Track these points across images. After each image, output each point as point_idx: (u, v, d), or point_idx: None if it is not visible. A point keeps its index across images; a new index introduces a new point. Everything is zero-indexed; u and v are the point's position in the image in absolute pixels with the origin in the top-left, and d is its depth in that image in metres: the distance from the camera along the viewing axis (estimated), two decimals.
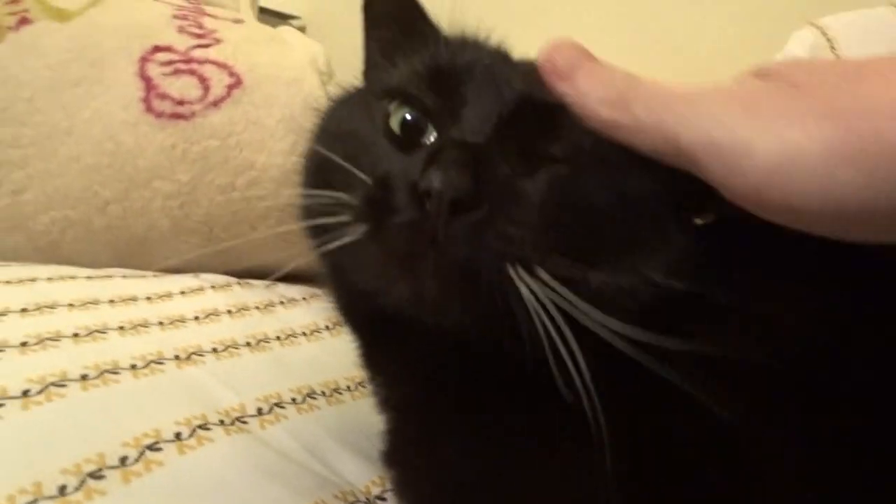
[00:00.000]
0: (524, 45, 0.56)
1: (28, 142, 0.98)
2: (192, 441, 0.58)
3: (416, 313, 0.44)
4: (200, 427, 0.60)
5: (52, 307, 0.75)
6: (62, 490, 0.49)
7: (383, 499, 0.63)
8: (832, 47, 1.30)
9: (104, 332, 0.71)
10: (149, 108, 1.02)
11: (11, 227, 0.99)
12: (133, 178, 1.01)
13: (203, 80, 1.05)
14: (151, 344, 0.71)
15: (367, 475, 0.65)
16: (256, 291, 0.97)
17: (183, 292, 0.88)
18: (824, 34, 1.31)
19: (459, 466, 0.48)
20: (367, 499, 0.62)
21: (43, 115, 0.99)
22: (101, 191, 1.00)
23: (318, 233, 0.48)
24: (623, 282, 0.43)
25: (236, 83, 1.05)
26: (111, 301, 0.80)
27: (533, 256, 0.41)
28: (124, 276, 0.95)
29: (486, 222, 0.40)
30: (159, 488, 0.53)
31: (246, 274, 1.06)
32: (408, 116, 0.48)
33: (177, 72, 1.06)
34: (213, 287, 0.93)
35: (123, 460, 0.53)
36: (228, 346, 0.76)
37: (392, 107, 0.49)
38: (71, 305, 0.76)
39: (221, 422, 0.62)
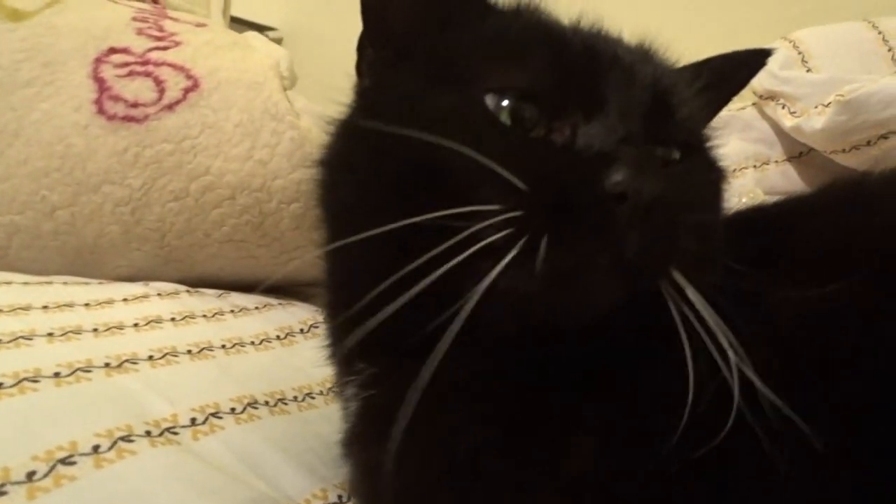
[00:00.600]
0: None
1: None
2: (112, 454, 0.54)
3: (574, 318, 0.41)
4: (123, 439, 0.56)
5: None
6: None
7: None
8: (804, 60, 1.29)
9: (30, 339, 0.67)
10: (101, 111, 0.99)
11: None
12: (82, 183, 0.98)
13: (159, 83, 1.02)
14: (81, 351, 0.67)
15: (307, 488, 0.61)
16: (207, 300, 0.93)
17: (126, 299, 0.85)
18: (796, 48, 1.30)
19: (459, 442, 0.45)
20: None
21: None
22: (49, 195, 0.97)
23: (439, 261, 0.38)
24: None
25: (193, 86, 1.02)
26: (45, 307, 0.76)
27: (691, 259, 0.40)
28: (65, 283, 0.92)
29: (667, 221, 0.39)
30: None
31: (200, 283, 1.03)
32: (526, 113, 0.43)
33: (132, 74, 1.03)
34: (159, 295, 0.90)
35: (31, 475, 0.50)
36: (167, 354, 0.72)
37: (503, 104, 0.43)
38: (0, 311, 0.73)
39: (148, 433, 0.58)
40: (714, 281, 0.41)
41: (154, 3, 1.43)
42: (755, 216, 0.56)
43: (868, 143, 1.10)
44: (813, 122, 1.15)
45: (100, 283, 0.94)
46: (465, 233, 0.37)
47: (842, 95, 1.10)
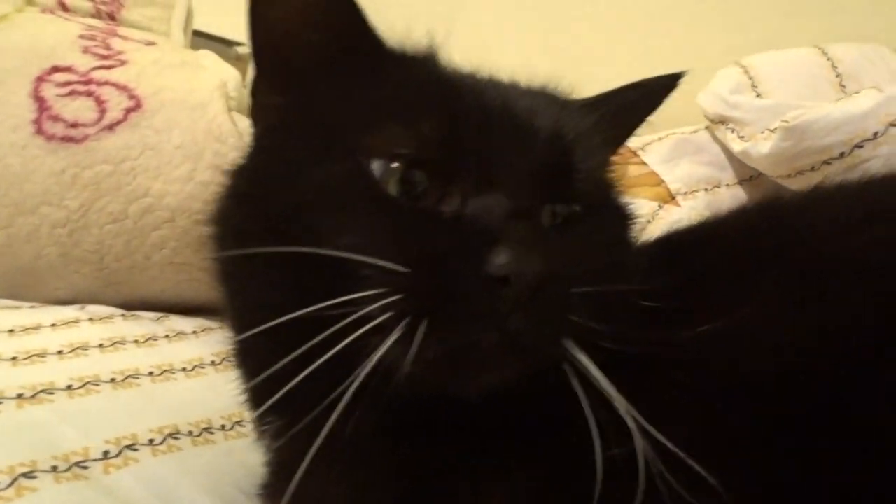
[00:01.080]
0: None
1: None
2: (10, 492, 0.52)
3: (465, 393, 0.41)
4: (25, 475, 0.55)
5: None
6: None
7: None
8: (754, 86, 1.30)
9: None
10: (39, 131, 0.98)
11: None
12: (19, 204, 0.96)
13: (100, 103, 1.01)
14: None
15: None
16: (142, 324, 0.92)
17: (54, 325, 0.83)
18: (747, 73, 1.32)
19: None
20: None
21: None
22: None
23: (329, 344, 0.38)
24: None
25: (135, 106, 1.01)
26: None
27: (584, 325, 0.40)
28: None
29: (555, 297, 0.39)
30: None
31: (142, 306, 1.01)
32: (416, 179, 0.42)
33: (73, 93, 1.01)
34: (90, 319, 0.88)
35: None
36: (88, 383, 0.71)
37: (391, 169, 0.42)
38: None
39: (54, 468, 0.57)
40: (619, 332, 0.40)
41: (110, 20, 1.42)
42: (673, 242, 0.55)
43: (812, 169, 1.11)
44: (759, 146, 1.17)
45: (31, 307, 0.92)
46: (353, 316, 0.37)
47: (786, 122, 1.11)
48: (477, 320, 0.37)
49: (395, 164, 0.42)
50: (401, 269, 0.38)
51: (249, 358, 0.51)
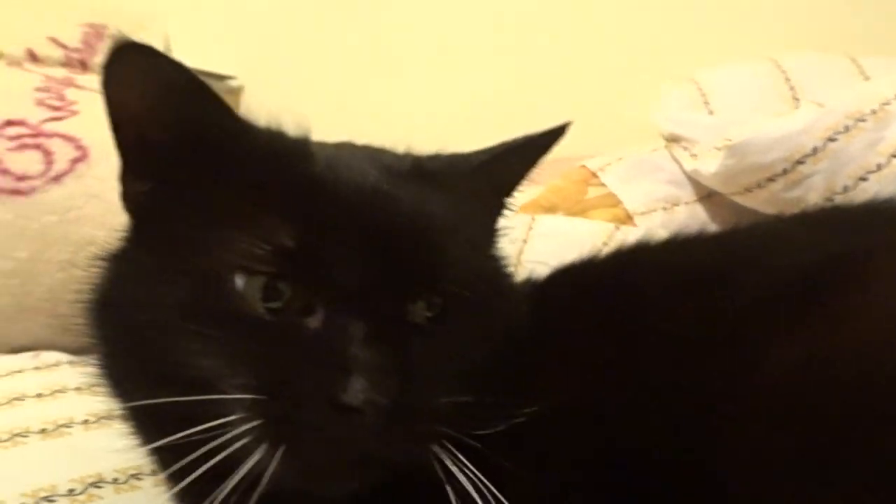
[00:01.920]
0: None
1: None
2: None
3: (334, 496, 0.43)
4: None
5: None
6: None
7: None
8: (706, 102, 1.31)
9: None
10: None
11: None
12: None
13: (48, 154, 1.04)
14: None
15: None
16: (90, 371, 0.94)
17: None
18: (699, 89, 1.32)
19: None
20: None
21: None
22: None
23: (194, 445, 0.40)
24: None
25: (82, 156, 1.04)
26: None
27: (446, 431, 0.42)
28: None
29: (414, 416, 0.41)
30: None
31: None
32: (280, 290, 0.42)
33: (23, 147, 1.05)
34: (36, 368, 0.91)
35: None
36: (16, 435, 0.73)
37: (252, 282, 0.42)
38: None
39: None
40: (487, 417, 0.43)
41: (82, 67, 1.45)
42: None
43: (759, 186, 1.11)
44: (708, 165, 1.17)
45: None
46: (220, 440, 0.39)
47: (729, 140, 1.11)
48: (333, 445, 0.39)
49: (257, 277, 0.42)
50: (258, 397, 0.39)
51: (135, 425, 0.52)
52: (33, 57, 1.31)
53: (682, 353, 0.47)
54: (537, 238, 1.27)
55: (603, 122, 1.69)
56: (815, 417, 0.41)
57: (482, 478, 0.41)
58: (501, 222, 0.59)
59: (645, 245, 0.59)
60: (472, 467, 0.41)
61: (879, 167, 1.01)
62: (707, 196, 1.30)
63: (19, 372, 0.88)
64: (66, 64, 1.35)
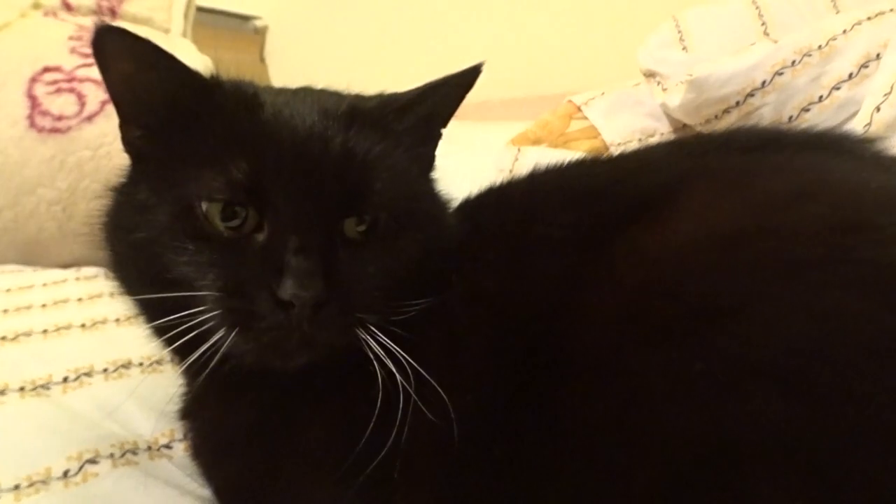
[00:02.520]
0: None
1: None
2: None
3: (285, 369, 0.56)
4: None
5: None
6: None
7: (169, 447, 0.75)
8: (681, 39, 1.39)
9: None
10: (32, 125, 1.17)
11: None
12: (21, 187, 1.16)
13: (81, 97, 1.19)
14: None
15: (158, 429, 0.76)
16: None
17: (45, 284, 1.03)
18: (678, 28, 1.40)
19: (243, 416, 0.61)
20: (150, 446, 0.73)
21: None
22: None
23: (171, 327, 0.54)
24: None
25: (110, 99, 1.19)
26: None
27: (372, 318, 0.55)
28: (12, 272, 1.10)
29: (338, 309, 0.53)
30: None
31: None
32: (236, 213, 0.54)
33: (59, 90, 1.20)
34: (77, 279, 1.07)
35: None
36: (61, 328, 0.89)
37: (213, 207, 0.53)
38: None
39: (21, 388, 0.76)
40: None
41: (111, 14, 1.59)
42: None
43: (716, 117, 1.21)
44: (673, 98, 1.27)
45: (34, 269, 1.12)
46: (195, 320, 0.52)
47: (690, 75, 1.21)
48: (274, 329, 0.52)
49: (216, 204, 0.53)
50: (218, 294, 0.53)
51: (140, 313, 0.66)
52: (67, 7, 1.45)
53: (560, 252, 0.57)
54: (521, 169, 1.38)
55: (597, 59, 1.78)
56: (647, 307, 0.49)
57: (402, 352, 0.54)
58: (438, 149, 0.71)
59: (551, 168, 0.69)
60: (393, 345, 0.54)
61: (821, 99, 1.10)
62: (682, 128, 1.40)
63: (63, 282, 1.05)
64: (97, 12, 1.49)
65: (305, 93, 0.64)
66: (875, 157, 0.63)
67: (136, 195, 0.58)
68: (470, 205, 0.70)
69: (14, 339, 0.85)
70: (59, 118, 1.17)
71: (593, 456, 0.47)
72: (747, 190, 0.53)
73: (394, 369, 0.53)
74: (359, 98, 0.64)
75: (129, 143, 0.62)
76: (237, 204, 0.54)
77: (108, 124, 1.17)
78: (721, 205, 0.53)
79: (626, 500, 0.45)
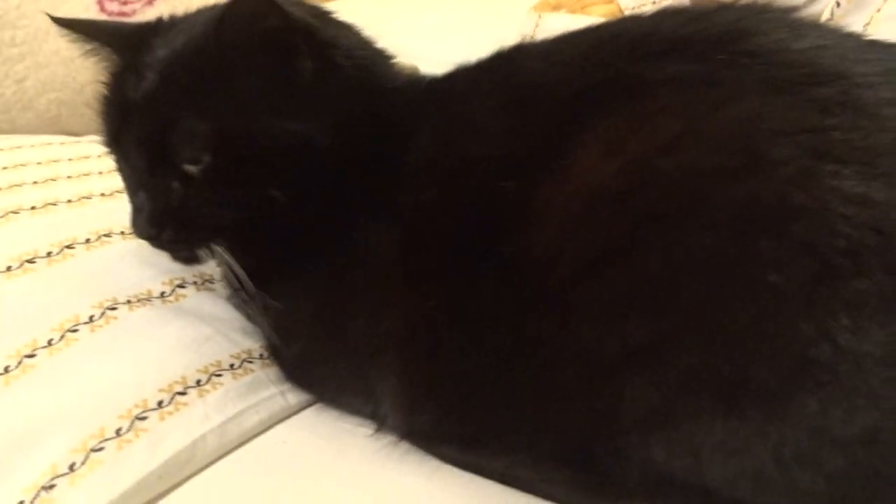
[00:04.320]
0: None
1: (21, 40, 1.34)
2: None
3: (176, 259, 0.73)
4: (28, 261, 0.75)
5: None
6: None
7: (183, 286, 0.78)
8: None
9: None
10: (102, 9, 1.35)
11: (23, 108, 1.36)
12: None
13: None
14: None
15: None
16: None
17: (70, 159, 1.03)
18: None
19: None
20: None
21: (28, 20, 1.34)
22: (77, 76, 1.35)
23: None
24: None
25: None
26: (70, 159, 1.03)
27: (204, 237, 0.68)
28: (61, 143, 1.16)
29: (173, 237, 0.67)
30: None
31: None
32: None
33: None
34: (99, 156, 0.98)
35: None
36: (83, 198, 0.91)
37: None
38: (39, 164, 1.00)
39: (49, 253, 0.77)
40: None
41: None
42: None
43: None
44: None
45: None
46: None
47: None
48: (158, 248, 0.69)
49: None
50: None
51: None
52: None
53: (506, 141, 0.60)
54: (541, 34, 1.43)
55: None
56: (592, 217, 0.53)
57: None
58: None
59: (510, 52, 0.70)
60: (231, 258, 0.68)
61: None
62: None
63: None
64: None
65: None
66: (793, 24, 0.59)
67: None
68: (436, 85, 0.74)
69: (42, 207, 0.87)
70: (125, 2, 1.36)
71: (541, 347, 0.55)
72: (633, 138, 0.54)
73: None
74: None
75: None
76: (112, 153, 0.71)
77: (166, 7, 1.32)
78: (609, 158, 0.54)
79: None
